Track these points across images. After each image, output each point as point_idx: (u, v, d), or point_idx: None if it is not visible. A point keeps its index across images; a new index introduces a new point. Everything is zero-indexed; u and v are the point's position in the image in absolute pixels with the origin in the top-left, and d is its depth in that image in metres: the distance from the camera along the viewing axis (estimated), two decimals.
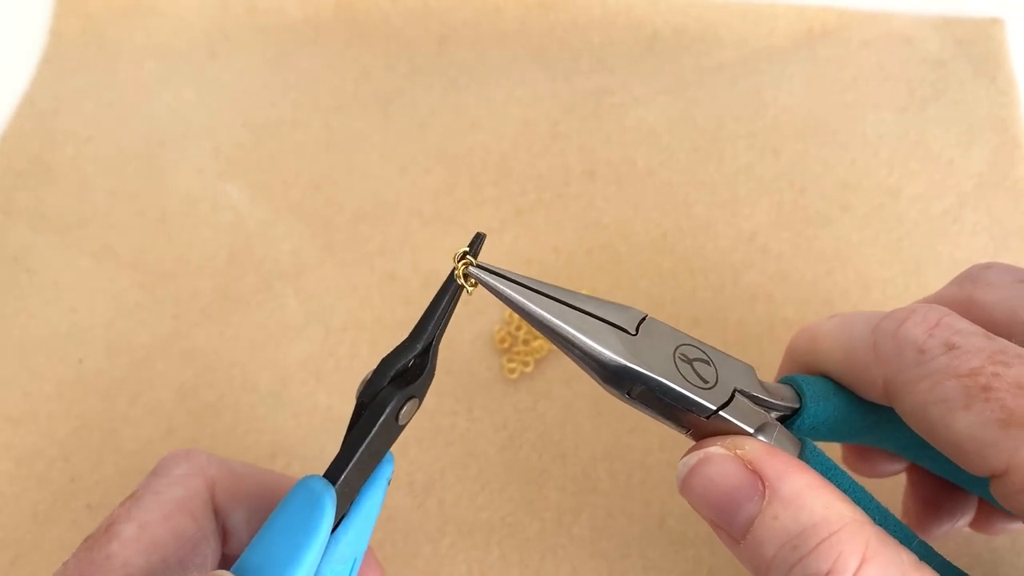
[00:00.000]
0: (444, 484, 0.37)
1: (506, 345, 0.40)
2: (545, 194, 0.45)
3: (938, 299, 0.28)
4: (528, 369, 0.39)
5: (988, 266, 0.27)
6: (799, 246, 0.42)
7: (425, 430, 0.38)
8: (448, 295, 0.26)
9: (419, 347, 0.26)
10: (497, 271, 0.25)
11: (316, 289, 0.42)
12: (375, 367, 0.26)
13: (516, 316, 0.40)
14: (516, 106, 0.48)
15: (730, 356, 0.26)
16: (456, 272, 0.25)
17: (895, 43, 0.48)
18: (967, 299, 0.26)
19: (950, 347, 0.22)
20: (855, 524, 0.21)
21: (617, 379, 0.24)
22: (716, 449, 0.24)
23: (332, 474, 0.25)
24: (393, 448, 0.38)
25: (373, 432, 0.25)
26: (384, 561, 0.35)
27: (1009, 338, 0.24)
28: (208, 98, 0.49)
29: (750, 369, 0.26)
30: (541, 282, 0.25)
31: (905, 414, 0.24)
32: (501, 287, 0.24)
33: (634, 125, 0.47)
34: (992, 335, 0.23)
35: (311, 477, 0.25)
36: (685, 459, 0.25)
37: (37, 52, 0.51)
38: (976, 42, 0.48)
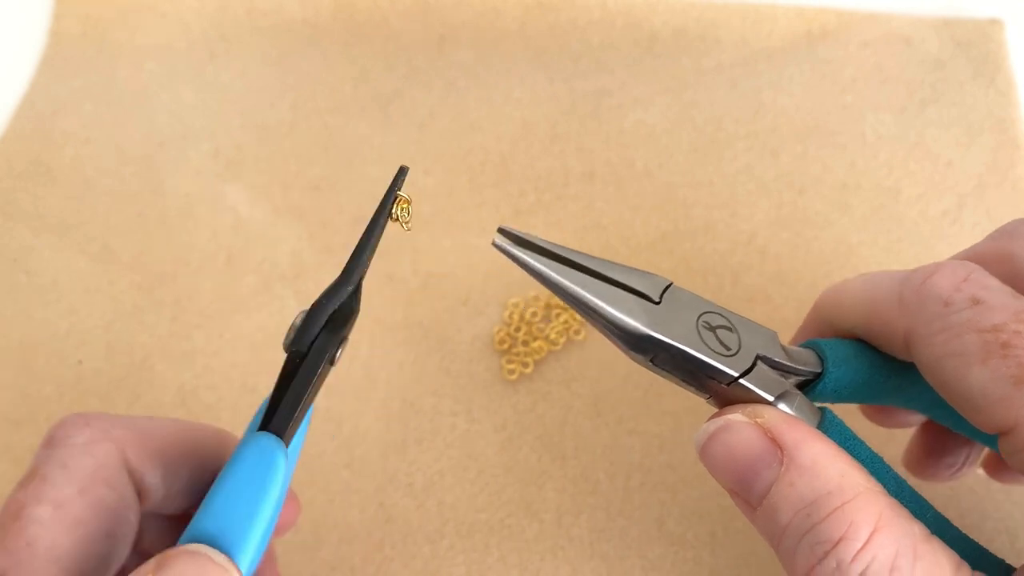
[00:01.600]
0: (443, 485, 0.37)
1: (505, 346, 0.40)
2: (544, 195, 0.45)
3: (973, 254, 0.27)
4: (527, 370, 0.39)
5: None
6: (798, 247, 0.42)
7: (424, 431, 0.38)
8: (381, 229, 0.25)
9: (351, 288, 0.25)
10: (523, 237, 0.25)
11: (315, 290, 0.42)
12: (306, 312, 0.25)
13: (515, 317, 0.40)
14: (515, 107, 0.48)
15: (753, 322, 0.26)
16: (394, 213, 0.25)
17: (894, 44, 0.48)
18: (1003, 253, 0.26)
19: (975, 302, 0.22)
20: (869, 494, 0.21)
21: (641, 347, 0.25)
22: (736, 416, 0.24)
23: (278, 427, 0.24)
24: (393, 449, 0.38)
25: (314, 380, 0.24)
26: (383, 562, 0.35)
27: None
28: (207, 99, 0.49)
29: (774, 335, 0.26)
30: (566, 248, 0.25)
31: (922, 366, 0.24)
32: (526, 259, 0.24)
33: (633, 126, 0.47)
34: (1020, 294, 0.23)
35: (262, 435, 0.24)
36: (705, 426, 0.25)
37: (37, 53, 0.52)
38: (975, 43, 0.48)
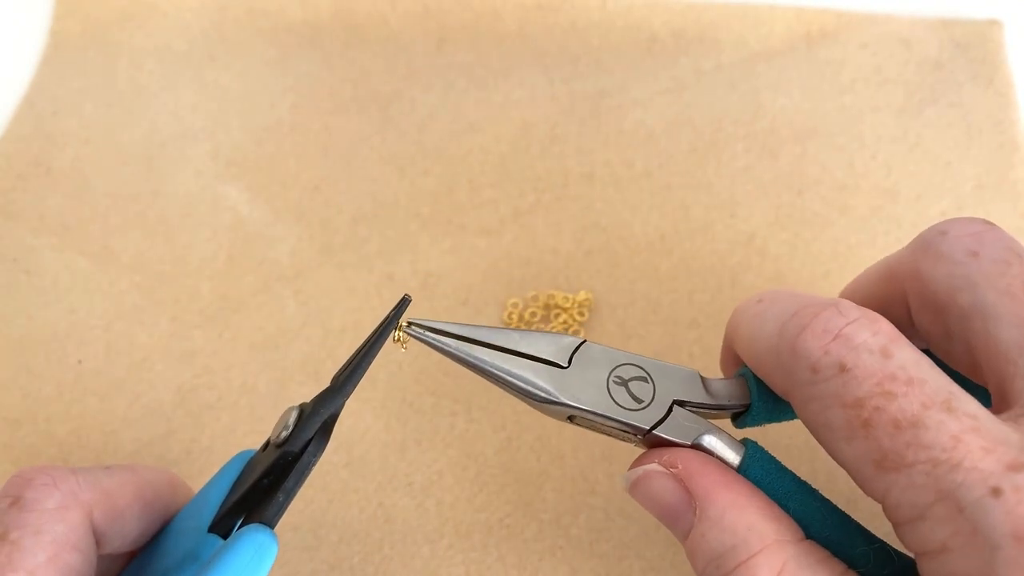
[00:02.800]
0: (442, 485, 0.37)
1: None
2: (544, 196, 0.45)
3: (887, 268, 0.27)
4: None
5: (944, 231, 0.25)
6: (797, 248, 0.42)
7: (424, 431, 0.38)
8: (377, 348, 0.27)
9: (345, 399, 0.27)
10: (431, 325, 0.27)
11: (315, 290, 0.42)
12: (297, 413, 0.27)
13: (514, 317, 0.40)
14: (514, 108, 0.48)
15: (673, 366, 0.27)
16: (396, 336, 0.27)
17: (893, 45, 0.48)
18: (914, 270, 0.25)
19: (842, 369, 0.22)
20: (775, 545, 0.22)
21: (553, 411, 0.27)
22: (652, 467, 0.25)
23: (271, 518, 0.26)
24: (392, 448, 0.38)
25: (305, 479, 0.26)
26: (382, 562, 0.35)
27: (945, 317, 0.24)
28: (207, 100, 0.49)
29: (694, 375, 0.27)
30: (473, 327, 0.27)
31: (803, 422, 0.24)
32: (437, 342, 0.27)
33: (632, 127, 0.47)
34: (892, 349, 0.22)
35: (257, 528, 0.25)
36: (626, 473, 0.26)
37: (37, 54, 0.52)
38: (974, 44, 0.48)
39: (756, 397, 0.26)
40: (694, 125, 0.47)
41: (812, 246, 0.42)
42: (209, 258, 0.44)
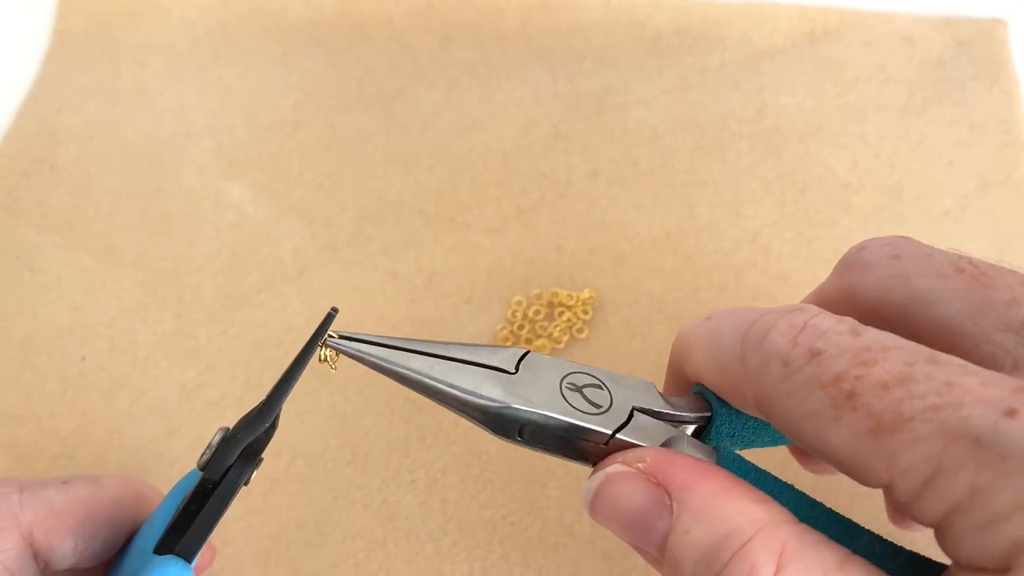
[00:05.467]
0: (446, 483, 0.37)
1: (509, 344, 0.40)
2: (548, 194, 0.45)
3: (818, 298, 0.26)
4: None
5: (863, 247, 0.25)
6: (801, 246, 0.42)
7: (427, 428, 0.38)
8: (302, 367, 0.24)
9: (268, 423, 0.25)
10: (358, 337, 0.24)
11: (319, 288, 0.42)
12: (220, 439, 0.25)
13: (518, 315, 0.40)
14: (518, 106, 0.48)
15: (625, 376, 0.24)
16: (322, 355, 0.24)
17: (896, 43, 0.48)
18: (847, 288, 0.25)
19: (813, 354, 0.20)
20: (770, 527, 0.20)
21: (502, 423, 0.23)
22: (616, 467, 0.22)
23: (189, 551, 0.25)
24: (396, 446, 0.38)
25: (227, 506, 0.25)
26: (386, 559, 0.35)
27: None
28: (211, 98, 0.49)
29: (650, 385, 0.25)
30: (408, 339, 0.24)
31: (783, 431, 0.22)
32: (365, 353, 0.23)
33: (636, 125, 0.47)
34: (860, 329, 0.21)
35: (169, 559, 0.25)
36: (588, 483, 0.23)
37: (40, 52, 0.52)
38: (978, 42, 0.48)
39: (718, 405, 0.24)
40: (698, 123, 0.47)
41: (816, 244, 0.42)
42: (212, 256, 0.44)
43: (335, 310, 0.24)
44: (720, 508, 0.20)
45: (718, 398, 0.24)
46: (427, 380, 0.23)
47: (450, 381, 0.23)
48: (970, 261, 0.24)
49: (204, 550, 0.29)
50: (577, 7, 0.50)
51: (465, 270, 0.42)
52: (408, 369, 0.23)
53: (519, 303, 0.41)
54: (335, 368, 0.24)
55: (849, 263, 0.25)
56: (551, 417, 0.23)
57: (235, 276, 0.43)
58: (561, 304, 0.41)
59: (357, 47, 0.51)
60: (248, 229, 0.44)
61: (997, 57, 0.47)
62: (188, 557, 0.25)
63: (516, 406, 0.22)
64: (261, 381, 0.40)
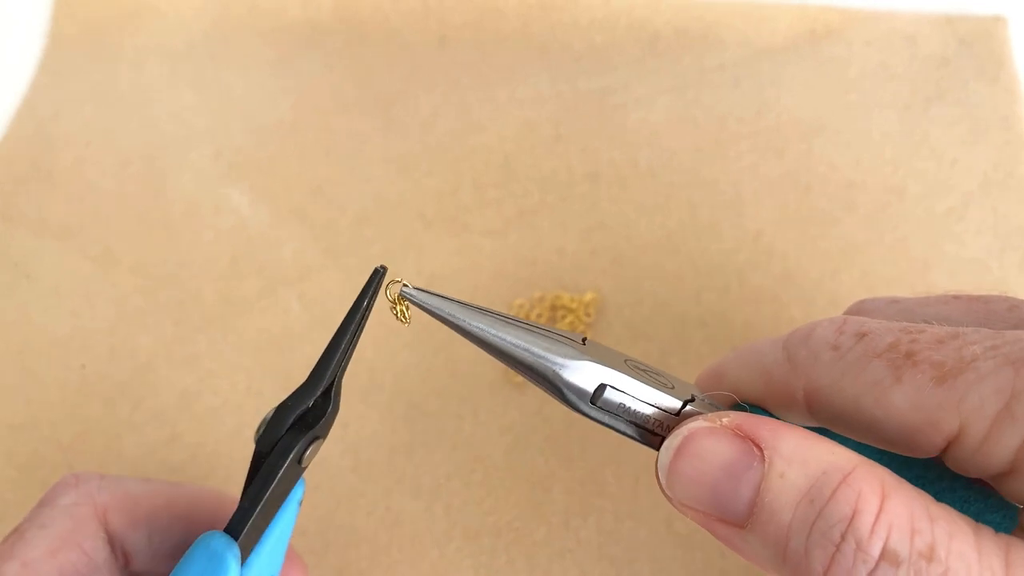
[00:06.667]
0: (450, 488, 0.37)
1: None
2: (548, 195, 0.44)
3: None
4: None
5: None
6: (804, 246, 0.42)
7: (431, 434, 0.38)
8: (354, 329, 0.24)
9: (319, 391, 0.25)
10: (431, 292, 0.23)
11: (319, 293, 0.42)
12: (273, 411, 0.25)
13: (521, 317, 0.40)
14: (518, 107, 0.48)
15: (671, 375, 0.25)
16: (391, 298, 0.23)
17: (898, 42, 0.48)
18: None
19: (861, 336, 0.22)
20: (866, 464, 0.20)
21: (578, 383, 0.23)
22: (699, 423, 0.22)
23: (234, 526, 0.24)
24: (400, 451, 0.38)
25: (275, 482, 0.25)
26: (391, 566, 0.35)
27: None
28: (208, 101, 0.49)
29: (696, 388, 0.25)
30: (469, 305, 0.23)
31: (836, 419, 0.22)
32: (436, 307, 0.23)
33: (636, 126, 0.47)
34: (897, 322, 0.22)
35: (212, 534, 0.24)
36: (666, 443, 0.22)
37: (36, 56, 0.51)
38: (979, 40, 0.48)
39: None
40: (698, 123, 0.46)
41: (819, 243, 0.42)
42: (212, 261, 0.43)
43: (383, 267, 0.23)
44: (813, 449, 0.20)
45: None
46: (500, 338, 0.23)
47: (524, 341, 0.23)
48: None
49: (294, 568, 0.29)
50: (577, 7, 0.50)
51: (466, 273, 0.42)
52: (481, 327, 0.23)
53: (521, 306, 0.41)
54: (408, 322, 0.23)
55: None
56: (633, 382, 0.23)
57: (235, 281, 0.43)
58: (564, 307, 0.41)
59: (355, 48, 0.51)
60: (247, 233, 0.44)
61: (998, 55, 0.47)
62: (234, 533, 0.24)
63: (601, 365, 0.23)
64: (262, 387, 0.39)
